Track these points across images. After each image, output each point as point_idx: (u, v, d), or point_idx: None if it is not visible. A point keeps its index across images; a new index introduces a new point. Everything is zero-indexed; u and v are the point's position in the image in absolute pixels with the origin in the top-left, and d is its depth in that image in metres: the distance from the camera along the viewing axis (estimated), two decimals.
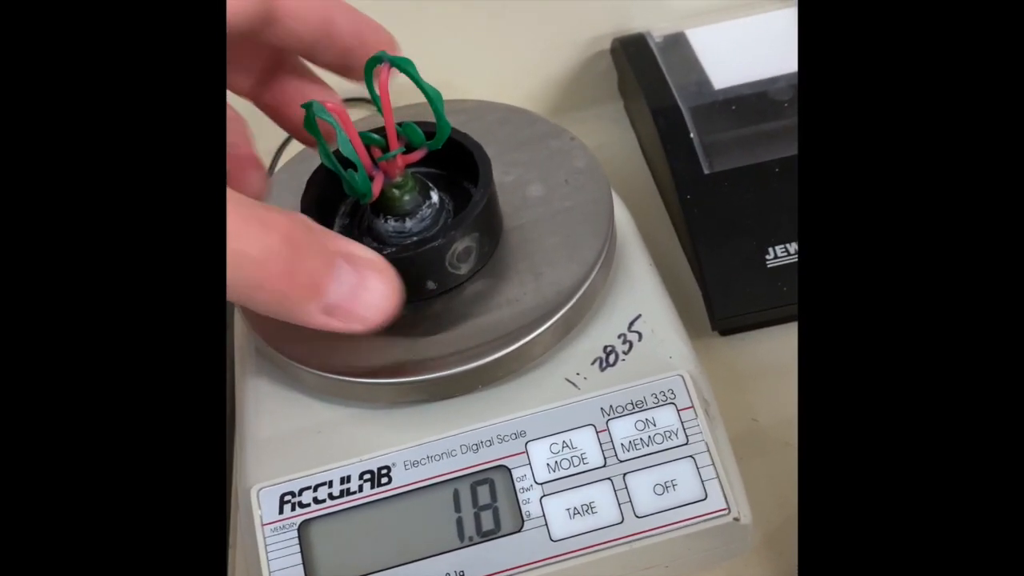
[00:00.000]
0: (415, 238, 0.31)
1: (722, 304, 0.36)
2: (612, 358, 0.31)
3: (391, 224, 0.31)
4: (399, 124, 0.30)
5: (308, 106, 0.28)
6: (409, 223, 0.31)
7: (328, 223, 0.32)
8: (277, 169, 0.37)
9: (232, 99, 0.31)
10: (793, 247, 0.36)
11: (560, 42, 0.47)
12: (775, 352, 0.37)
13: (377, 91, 0.29)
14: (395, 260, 0.29)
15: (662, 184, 0.42)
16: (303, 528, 0.27)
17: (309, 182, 0.32)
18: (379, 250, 0.29)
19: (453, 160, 0.33)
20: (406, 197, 0.31)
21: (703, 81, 0.42)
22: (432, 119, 0.30)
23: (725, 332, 0.37)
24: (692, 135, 0.39)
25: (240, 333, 0.33)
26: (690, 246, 0.37)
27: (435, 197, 0.32)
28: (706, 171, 0.38)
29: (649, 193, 0.44)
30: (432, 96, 0.28)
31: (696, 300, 0.38)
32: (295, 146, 0.46)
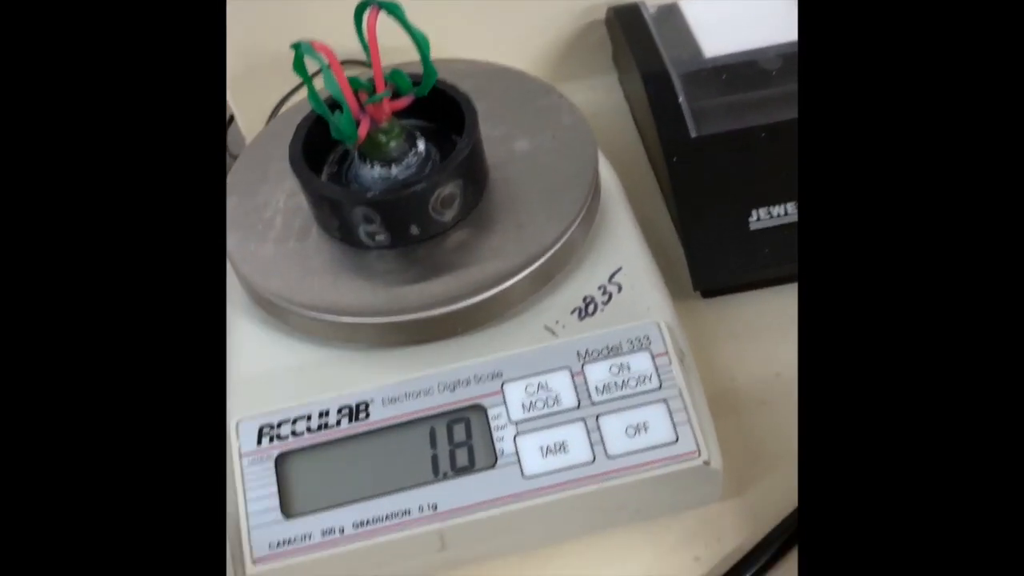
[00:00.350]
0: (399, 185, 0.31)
1: (705, 265, 0.36)
2: (591, 308, 0.31)
3: (377, 170, 0.31)
4: (387, 72, 0.30)
5: (296, 46, 0.28)
6: (395, 170, 0.31)
7: (317, 171, 0.32)
8: (272, 121, 0.37)
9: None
10: (776, 210, 0.36)
11: (555, 11, 0.47)
12: (756, 315, 0.37)
13: (365, 36, 0.29)
14: (379, 202, 0.30)
15: (651, 149, 0.42)
16: (280, 460, 0.28)
17: (298, 127, 0.32)
18: (363, 194, 0.30)
19: (441, 113, 0.33)
20: (392, 143, 0.31)
21: (694, 50, 0.42)
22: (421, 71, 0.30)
23: (707, 294, 0.38)
24: (681, 99, 0.39)
25: (231, 275, 0.33)
26: (675, 208, 0.38)
27: (421, 146, 0.32)
28: (693, 134, 0.38)
29: (640, 163, 0.44)
30: (419, 40, 0.29)
31: (679, 263, 0.38)
32: (292, 103, 0.47)
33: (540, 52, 0.49)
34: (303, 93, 0.47)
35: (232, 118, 0.51)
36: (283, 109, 0.47)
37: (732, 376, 0.35)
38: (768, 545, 0.30)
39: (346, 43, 0.31)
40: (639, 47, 0.42)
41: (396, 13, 0.28)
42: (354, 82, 0.30)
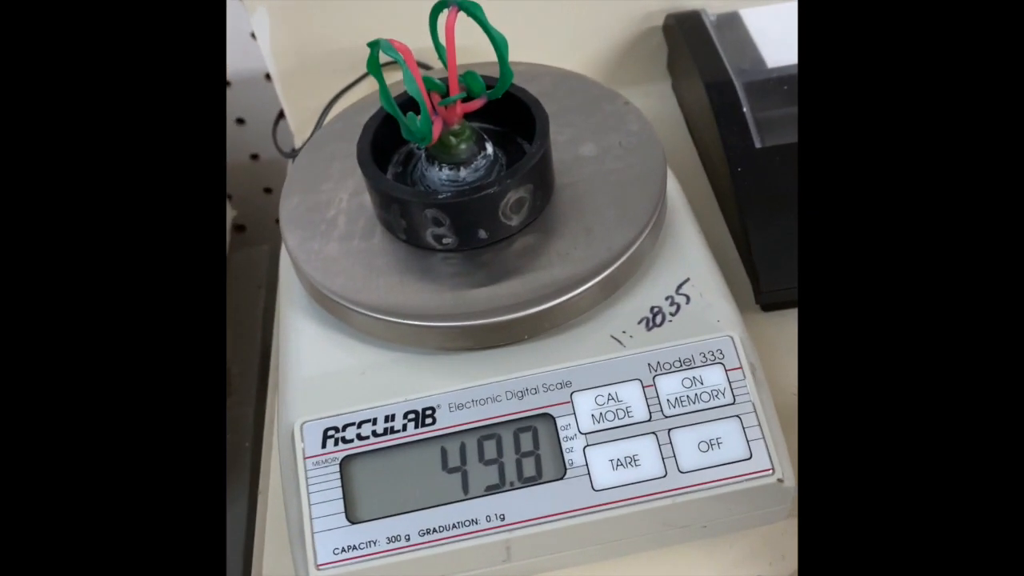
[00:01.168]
0: (467, 188, 0.31)
1: (768, 278, 0.35)
2: (659, 319, 0.31)
3: (445, 172, 0.31)
4: (460, 73, 0.30)
5: (374, 44, 0.28)
6: (463, 172, 0.31)
7: (382, 170, 0.32)
8: (328, 119, 0.37)
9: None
10: None
11: (613, 16, 0.47)
12: None
13: (441, 38, 0.29)
14: (449, 205, 0.29)
15: (711, 159, 0.42)
16: (345, 463, 0.27)
17: (365, 126, 0.32)
18: (434, 196, 0.30)
19: (508, 117, 0.33)
20: (462, 146, 0.31)
21: (756, 59, 0.42)
22: (492, 75, 0.30)
23: (767, 307, 0.37)
24: (745, 109, 0.39)
25: (285, 271, 0.33)
26: (737, 220, 0.37)
27: (490, 149, 0.32)
28: (757, 145, 0.37)
29: (694, 172, 0.44)
30: (499, 41, 0.28)
31: (738, 276, 0.38)
32: (344, 102, 0.47)
33: (593, 56, 0.49)
34: (353, 94, 0.47)
35: (281, 114, 0.50)
36: (334, 108, 0.47)
37: (794, 391, 0.35)
38: None
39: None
40: (701, 54, 0.42)
41: (476, 13, 0.28)
42: (428, 82, 0.29)
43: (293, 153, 0.47)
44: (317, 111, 0.48)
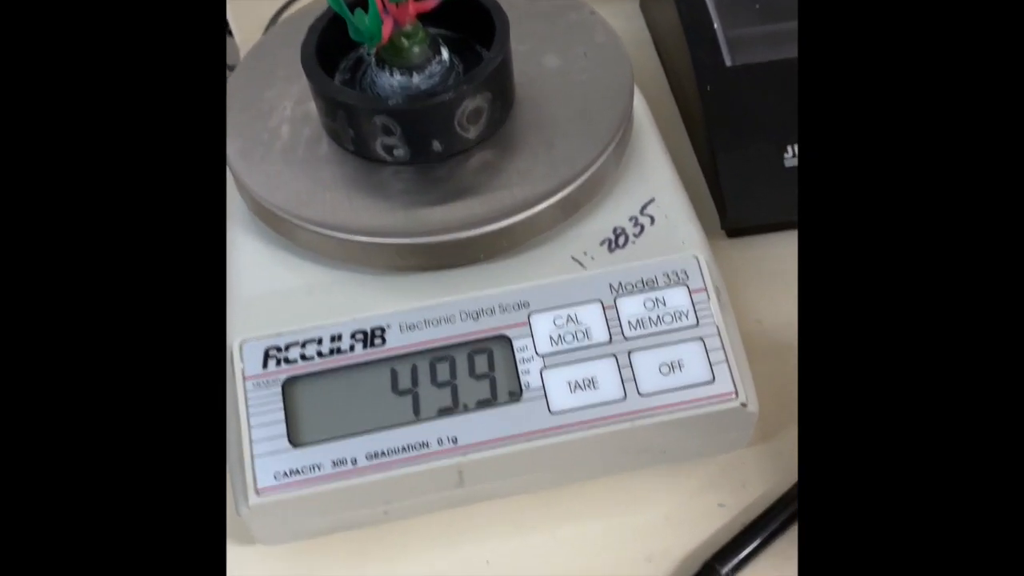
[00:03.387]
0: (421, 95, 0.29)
1: (735, 202, 0.34)
2: (621, 240, 0.29)
3: (397, 78, 0.29)
4: None
5: None
6: (416, 78, 0.29)
7: (329, 76, 0.30)
8: (276, 26, 0.34)
9: None
10: None
11: None
12: (782, 256, 0.35)
13: None
14: (401, 112, 0.27)
15: (679, 79, 0.40)
16: (288, 384, 0.26)
17: (310, 28, 0.29)
18: (384, 102, 0.28)
19: (465, 22, 0.31)
20: (415, 49, 0.29)
21: None
22: None
23: (733, 233, 0.36)
24: (716, 26, 0.37)
25: (231, 188, 0.31)
26: (705, 141, 0.36)
27: (445, 55, 0.29)
28: (728, 63, 0.36)
29: (661, 93, 0.42)
30: None
31: (703, 200, 0.37)
32: (294, 8, 0.44)
33: None
34: (298, 7, 0.44)
35: (228, 30, 0.47)
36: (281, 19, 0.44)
37: (758, 319, 0.34)
38: (795, 496, 0.29)
39: None
40: None
41: None
42: None
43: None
44: (264, 26, 0.45)
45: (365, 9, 0.27)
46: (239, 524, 0.26)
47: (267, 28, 0.44)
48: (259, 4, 0.45)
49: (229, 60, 0.47)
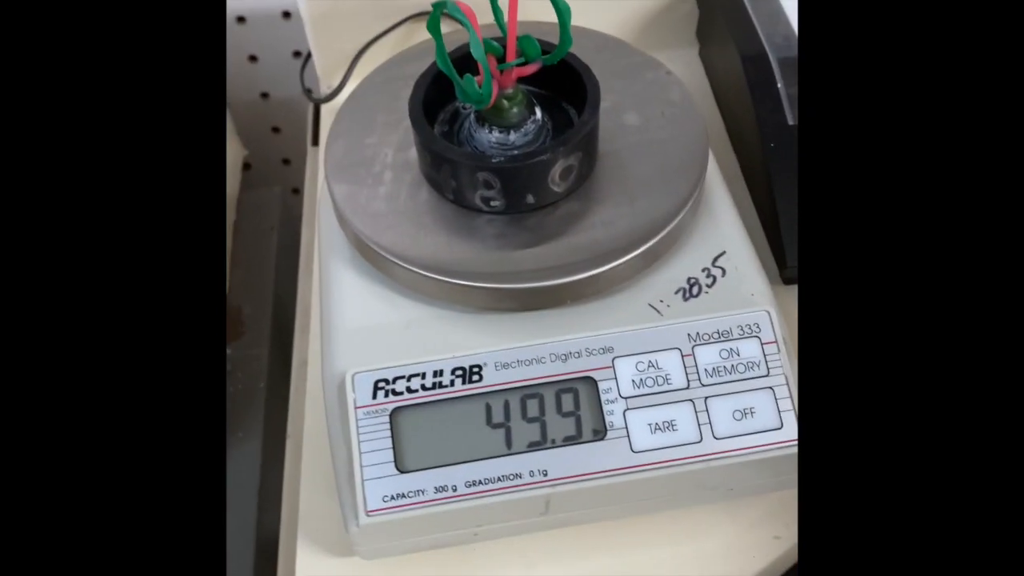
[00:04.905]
0: (516, 151, 0.31)
1: (795, 253, 0.37)
2: (695, 289, 0.32)
3: (495, 135, 0.31)
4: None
5: (438, 4, 0.28)
6: (513, 136, 0.31)
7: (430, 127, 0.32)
8: (372, 71, 0.37)
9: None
10: None
11: None
12: None
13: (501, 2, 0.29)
14: (501, 169, 0.30)
15: (741, 132, 0.42)
16: (395, 414, 0.28)
17: (416, 84, 0.32)
18: (480, 160, 0.30)
19: (553, 81, 0.33)
20: (514, 109, 0.31)
21: (789, 34, 0.42)
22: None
23: (790, 281, 0.38)
24: (779, 85, 0.39)
25: (327, 221, 0.33)
26: (766, 194, 0.38)
27: (539, 114, 0.32)
28: (791, 122, 0.38)
29: (722, 140, 0.45)
30: (562, 8, 0.28)
31: (762, 248, 0.39)
32: (377, 48, 0.46)
33: (624, 17, 0.49)
34: (384, 41, 0.47)
35: (309, 57, 0.50)
36: (365, 56, 0.47)
37: None
38: None
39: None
40: (736, 26, 0.42)
41: None
42: (488, 45, 0.29)
43: (327, 98, 0.47)
44: (344, 55, 0.47)
45: (470, 72, 0.29)
46: (331, 535, 0.28)
47: (353, 61, 0.46)
48: (342, 37, 0.48)
49: (308, 84, 0.50)
